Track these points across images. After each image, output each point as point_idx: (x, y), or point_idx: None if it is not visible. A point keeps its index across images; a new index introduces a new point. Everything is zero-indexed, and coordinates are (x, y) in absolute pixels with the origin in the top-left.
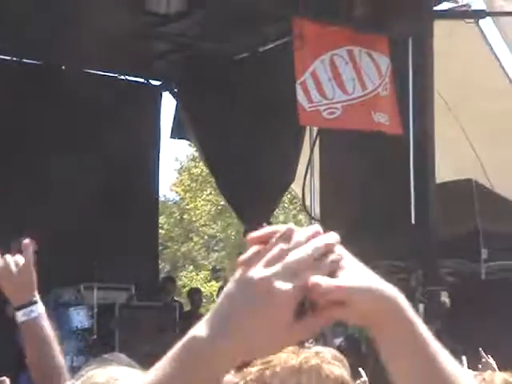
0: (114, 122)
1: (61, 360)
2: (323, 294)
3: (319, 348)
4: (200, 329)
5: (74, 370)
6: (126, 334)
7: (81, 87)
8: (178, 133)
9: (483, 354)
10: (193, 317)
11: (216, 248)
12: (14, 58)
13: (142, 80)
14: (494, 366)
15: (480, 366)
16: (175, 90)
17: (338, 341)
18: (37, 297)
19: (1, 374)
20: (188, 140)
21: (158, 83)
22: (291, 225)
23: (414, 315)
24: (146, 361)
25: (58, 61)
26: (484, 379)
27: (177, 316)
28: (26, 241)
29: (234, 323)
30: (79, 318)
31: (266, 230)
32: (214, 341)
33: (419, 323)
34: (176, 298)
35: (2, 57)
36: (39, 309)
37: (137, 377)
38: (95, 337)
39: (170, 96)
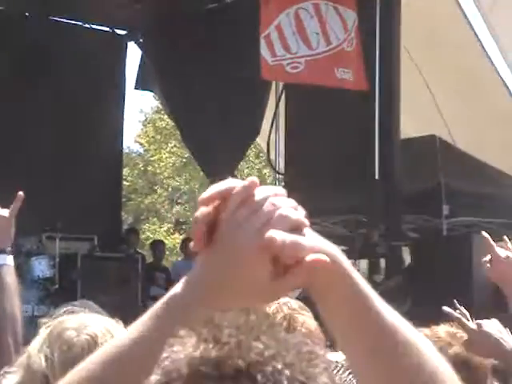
0: (78, 71)
1: (16, 314)
2: (278, 248)
3: (286, 299)
4: (178, 287)
5: (35, 320)
6: (87, 285)
7: (45, 35)
8: (142, 84)
9: (457, 304)
10: (155, 269)
11: (180, 201)
12: None
13: (107, 29)
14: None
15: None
16: (141, 41)
17: (296, 292)
18: (9, 249)
19: None
20: (152, 92)
21: (123, 33)
22: (254, 178)
23: (359, 277)
24: (107, 311)
25: (22, 8)
26: (427, 335)
27: (139, 267)
28: (20, 193)
29: (208, 282)
30: (41, 267)
31: (218, 188)
32: (190, 296)
33: (364, 284)
34: (139, 251)
35: None
36: (8, 261)
37: (106, 324)
38: (57, 286)
39: (136, 46)
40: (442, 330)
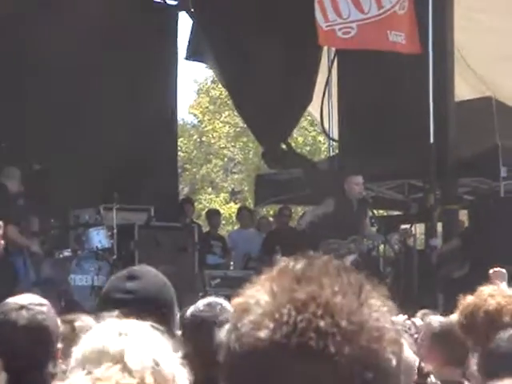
0: (129, 42)
1: None
2: None
3: None
4: None
5: (95, 289)
6: (145, 254)
7: (95, 6)
8: (193, 54)
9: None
10: (211, 237)
11: (235, 170)
12: None
13: (159, 0)
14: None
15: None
16: (192, 10)
17: (351, 257)
18: None
19: None
20: (203, 62)
21: (174, 3)
22: None
23: None
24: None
25: None
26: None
27: (195, 237)
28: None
29: None
30: (99, 237)
31: None
32: None
33: None
34: (195, 220)
35: None
36: None
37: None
38: (115, 257)
39: (187, 16)
40: (488, 289)
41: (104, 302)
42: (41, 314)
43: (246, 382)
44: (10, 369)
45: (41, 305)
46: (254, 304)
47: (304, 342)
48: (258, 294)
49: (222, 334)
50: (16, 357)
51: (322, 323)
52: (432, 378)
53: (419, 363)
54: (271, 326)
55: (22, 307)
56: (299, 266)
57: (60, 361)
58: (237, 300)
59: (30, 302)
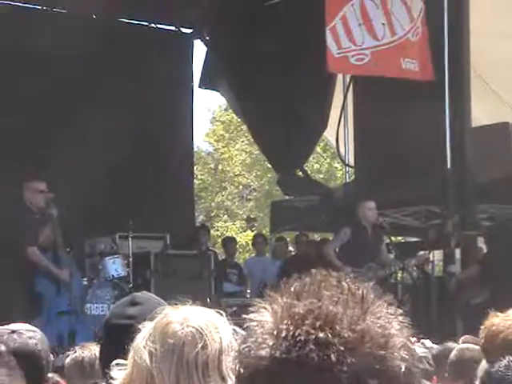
0: (145, 71)
1: None
2: None
3: None
4: None
5: None
6: (161, 283)
7: (112, 36)
8: (207, 82)
9: None
10: (227, 265)
11: (250, 197)
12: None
13: (173, 28)
14: None
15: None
16: (207, 38)
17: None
18: None
19: None
20: (217, 90)
21: (189, 31)
22: None
23: None
24: None
25: (88, 9)
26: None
27: (211, 264)
28: None
29: None
30: (115, 266)
31: None
32: None
33: None
34: (211, 248)
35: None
36: None
37: (209, 316)
38: (131, 285)
39: (201, 44)
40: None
41: (105, 328)
42: (31, 339)
43: None
44: None
45: (33, 331)
46: (256, 326)
47: (304, 355)
48: (261, 315)
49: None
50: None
51: (321, 334)
52: None
53: None
54: (271, 343)
55: (13, 332)
56: (299, 282)
57: None
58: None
59: (22, 328)
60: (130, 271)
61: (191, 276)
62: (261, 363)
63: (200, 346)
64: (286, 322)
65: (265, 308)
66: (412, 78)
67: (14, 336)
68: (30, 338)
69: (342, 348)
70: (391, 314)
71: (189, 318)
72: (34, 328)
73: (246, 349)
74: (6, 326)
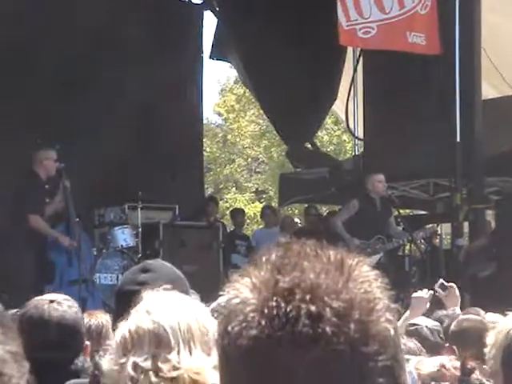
0: (155, 42)
1: None
2: None
3: None
4: None
5: None
6: (170, 253)
7: (122, 7)
8: (217, 54)
9: None
10: (236, 237)
11: (258, 170)
12: None
13: None
14: None
15: None
16: (217, 9)
17: (376, 257)
18: None
19: None
20: (227, 61)
21: (199, 1)
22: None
23: None
24: (189, 279)
25: None
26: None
27: (220, 235)
28: None
29: None
30: (124, 236)
31: None
32: None
33: None
34: (219, 219)
35: None
36: None
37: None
38: (140, 255)
39: (212, 15)
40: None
41: (117, 295)
42: (71, 308)
43: (248, 382)
44: (39, 362)
45: (69, 300)
46: (239, 304)
47: (298, 331)
48: (240, 292)
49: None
50: (47, 349)
51: (312, 308)
52: (477, 374)
53: (464, 359)
54: (262, 322)
55: (52, 301)
56: (276, 254)
57: (88, 357)
58: (220, 304)
59: (60, 298)
60: (138, 241)
61: (200, 247)
62: (253, 343)
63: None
64: (274, 298)
65: (242, 283)
66: (418, 52)
67: (55, 305)
68: (70, 307)
69: (334, 319)
70: (371, 277)
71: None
72: (68, 297)
73: (236, 329)
74: (41, 297)
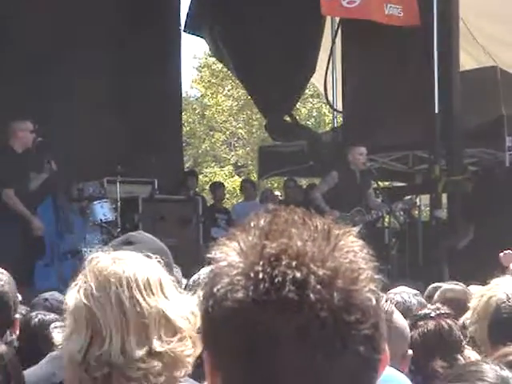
0: (132, 15)
1: None
2: None
3: None
4: None
5: None
6: (149, 227)
7: None
8: (192, 27)
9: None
10: (216, 210)
11: (238, 144)
12: None
13: None
14: None
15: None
16: None
17: (356, 229)
18: None
19: None
20: (201, 36)
21: None
22: None
23: None
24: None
25: None
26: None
27: (200, 209)
28: None
29: None
30: (103, 210)
31: None
32: None
33: None
34: (199, 193)
35: None
36: None
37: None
38: (119, 229)
39: None
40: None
41: None
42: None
43: (231, 345)
44: None
45: (0, 273)
46: (226, 266)
47: (284, 296)
48: (228, 255)
49: (197, 302)
50: None
51: (298, 274)
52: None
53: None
54: (248, 285)
55: None
56: (264, 220)
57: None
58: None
59: None
60: (117, 215)
61: (179, 220)
62: (239, 306)
63: (138, 272)
64: (261, 263)
65: (229, 246)
66: (395, 24)
67: None
68: None
69: (318, 286)
70: (357, 247)
71: (119, 256)
72: (0, 270)
73: (222, 290)
74: None
